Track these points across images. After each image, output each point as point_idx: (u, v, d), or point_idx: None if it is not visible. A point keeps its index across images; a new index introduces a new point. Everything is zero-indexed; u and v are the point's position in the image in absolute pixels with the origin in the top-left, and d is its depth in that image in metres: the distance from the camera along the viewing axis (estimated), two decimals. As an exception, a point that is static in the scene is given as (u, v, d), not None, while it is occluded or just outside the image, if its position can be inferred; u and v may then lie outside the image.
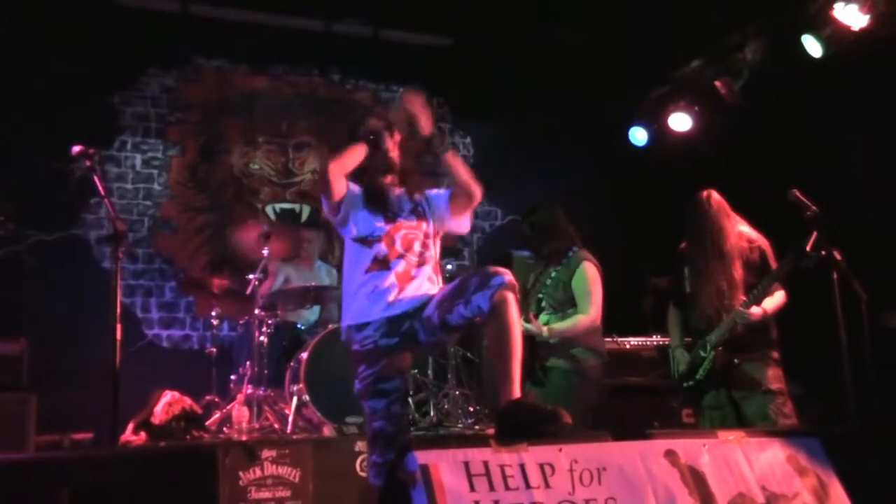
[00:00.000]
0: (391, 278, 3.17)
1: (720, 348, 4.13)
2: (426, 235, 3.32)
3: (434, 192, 3.43)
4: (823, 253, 3.98)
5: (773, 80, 6.47)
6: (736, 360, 4.10)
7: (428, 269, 3.27)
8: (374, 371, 3.13)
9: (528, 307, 4.33)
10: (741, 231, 4.27)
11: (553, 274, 4.37)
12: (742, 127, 6.68)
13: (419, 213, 3.34)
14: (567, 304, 4.30)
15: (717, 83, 6.69)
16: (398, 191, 3.38)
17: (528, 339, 4.25)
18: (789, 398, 4.09)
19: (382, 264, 3.19)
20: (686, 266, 4.37)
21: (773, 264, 4.16)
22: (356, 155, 3.26)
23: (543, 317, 4.33)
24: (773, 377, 4.10)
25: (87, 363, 5.56)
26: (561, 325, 4.25)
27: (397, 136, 3.37)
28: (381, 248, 3.21)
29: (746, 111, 6.60)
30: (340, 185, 3.24)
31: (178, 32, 7.36)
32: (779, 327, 4.22)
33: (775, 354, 4.16)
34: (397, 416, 3.13)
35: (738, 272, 4.16)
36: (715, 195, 4.31)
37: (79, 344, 5.98)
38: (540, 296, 4.38)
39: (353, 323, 3.20)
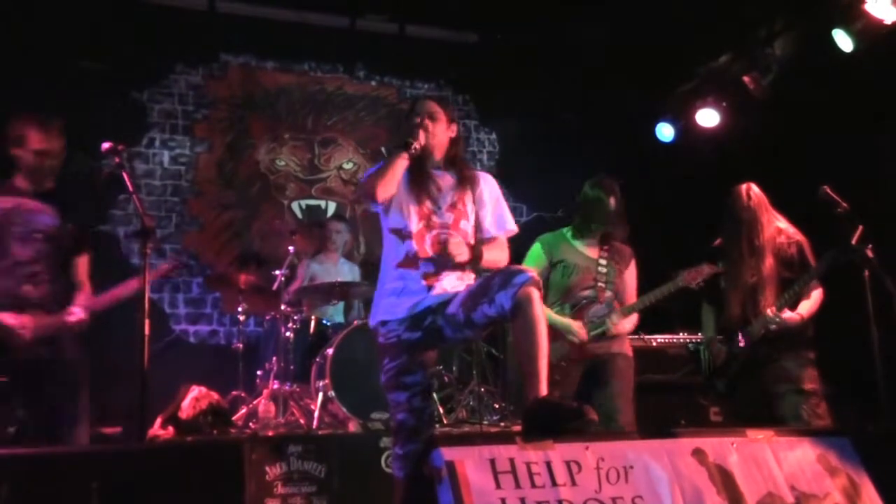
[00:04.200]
0: (419, 278, 3.17)
1: (756, 345, 4.09)
2: (465, 236, 3.27)
3: (487, 200, 3.35)
4: (871, 246, 3.90)
5: (802, 75, 6.39)
6: (772, 358, 4.06)
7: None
8: (397, 364, 3.16)
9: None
10: (779, 227, 4.22)
11: (606, 259, 4.24)
12: (771, 123, 6.60)
13: (459, 210, 3.28)
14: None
15: (746, 78, 6.61)
16: (446, 180, 3.31)
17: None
18: (823, 399, 4.04)
19: (412, 263, 3.19)
20: (720, 262, 4.33)
21: (812, 260, 4.11)
22: (399, 167, 3.16)
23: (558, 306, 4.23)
24: (808, 377, 4.05)
25: (115, 358, 5.61)
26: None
27: (441, 121, 3.31)
28: (412, 245, 3.20)
29: (775, 107, 6.52)
30: (390, 195, 3.19)
31: (205, 30, 7.42)
32: (814, 326, 4.17)
33: (811, 354, 4.11)
34: (418, 409, 3.14)
35: (770, 268, 4.11)
36: (755, 188, 4.26)
37: (107, 339, 6.02)
38: (602, 283, 4.19)
39: (380, 319, 3.23)
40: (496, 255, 3.31)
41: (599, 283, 4.16)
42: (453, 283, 3.19)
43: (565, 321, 4.10)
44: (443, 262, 3.17)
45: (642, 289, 4.33)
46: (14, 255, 3.73)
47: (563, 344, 4.08)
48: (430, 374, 3.22)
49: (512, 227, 3.40)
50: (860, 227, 3.93)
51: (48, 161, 3.81)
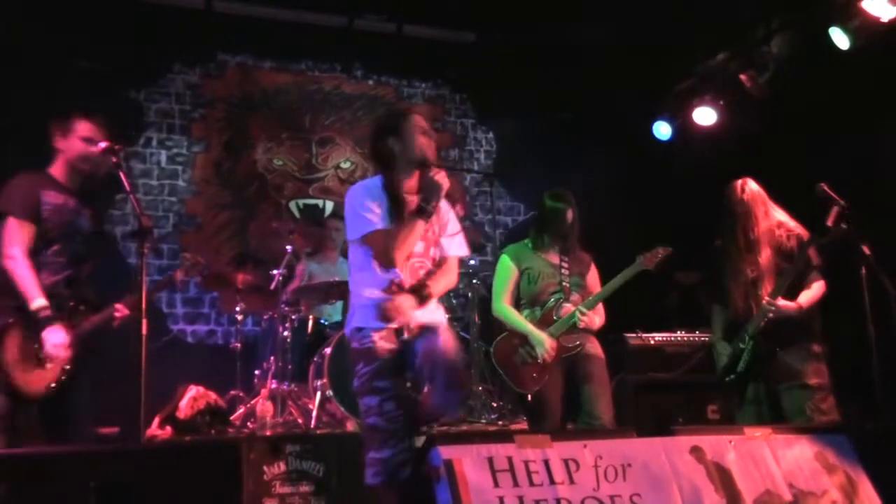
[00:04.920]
0: None
1: (759, 339, 4.09)
2: (433, 262, 3.38)
3: (448, 224, 3.45)
4: (845, 226, 3.91)
5: (799, 73, 6.40)
6: (773, 353, 4.06)
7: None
8: (371, 369, 3.20)
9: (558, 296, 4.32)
10: (780, 220, 4.23)
11: (567, 266, 4.38)
12: (768, 121, 6.60)
13: (428, 238, 3.36)
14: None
15: (743, 77, 6.61)
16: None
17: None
18: (830, 393, 4.02)
19: (390, 290, 3.24)
20: (721, 259, 4.33)
21: (812, 253, 4.11)
22: (415, 235, 3.24)
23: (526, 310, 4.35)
24: (813, 371, 4.02)
25: (112, 358, 5.61)
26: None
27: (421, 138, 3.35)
28: (397, 274, 3.26)
29: (772, 105, 6.53)
30: None
31: (203, 29, 7.40)
32: (821, 319, 4.16)
33: (816, 348, 4.09)
34: (390, 413, 3.16)
35: (767, 260, 4.13)
36: (751, 184, 4.28)
37: (105, 339, 6.01)
38: (567, 284, 4.34)
39: (356, 325, 3.28)
40: (446, 282, 3.39)
41: (565, 284, 4.30)
42: (429, 311, 3.30)
43: (538, 334, 4.21)
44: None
45: (639, 289, 4.37)
46: (54, 251, 3.73)
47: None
48: (403, 382, 3.26)
49: (464, 252, 3.48)
50: (835, 209, 3.94)
51: (92, 154, 3.78)
